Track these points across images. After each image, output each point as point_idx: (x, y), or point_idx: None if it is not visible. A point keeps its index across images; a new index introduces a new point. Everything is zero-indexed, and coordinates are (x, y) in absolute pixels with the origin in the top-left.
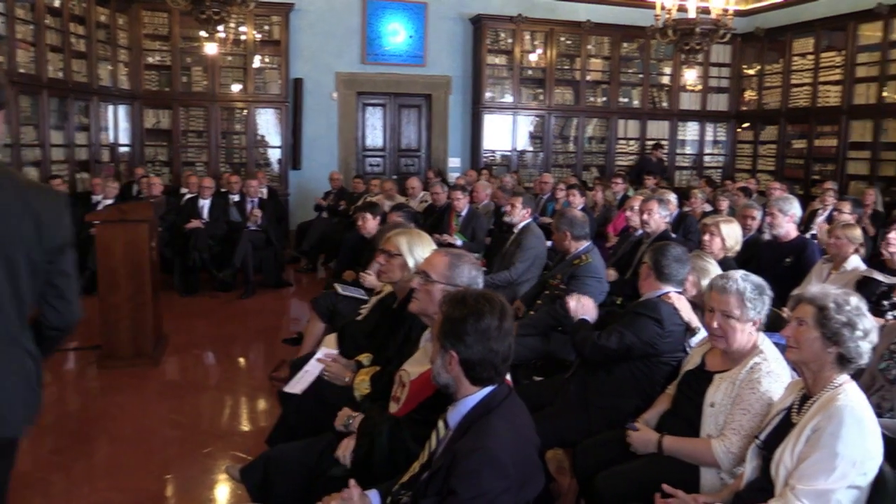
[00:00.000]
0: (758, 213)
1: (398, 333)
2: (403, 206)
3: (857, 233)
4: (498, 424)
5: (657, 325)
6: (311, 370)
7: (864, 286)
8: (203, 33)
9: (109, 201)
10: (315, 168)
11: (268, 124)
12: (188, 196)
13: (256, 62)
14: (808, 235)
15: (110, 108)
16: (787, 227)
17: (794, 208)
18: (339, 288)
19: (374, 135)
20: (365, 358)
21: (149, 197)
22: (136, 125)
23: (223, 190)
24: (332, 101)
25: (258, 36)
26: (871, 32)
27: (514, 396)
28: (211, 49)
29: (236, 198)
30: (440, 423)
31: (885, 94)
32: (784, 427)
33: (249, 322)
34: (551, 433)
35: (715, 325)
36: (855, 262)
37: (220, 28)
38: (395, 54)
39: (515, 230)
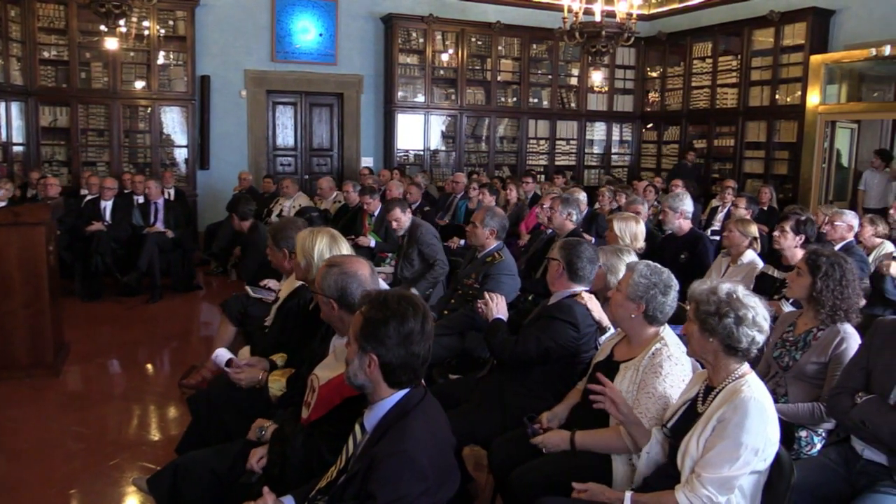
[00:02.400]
0: (641, 208)
1: (315, 334)
2: (309, 210)
3: (752, 228)
4: (415, 427)
5: (573, 329)
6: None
7: (762, 281)
8: (103, 27)
9: (2, 203)
10: (224, 168)
11: (173, 123)
12: (89, 197)
13: (161, 58)
14: (708, 231)
15: (2, 104)
16: (679, 222)
17: (685, 205)
18: (250, 290)
19: (285, 134)
20: (279, 358)
21: (45, 198)
22: (31, 123)
23: (127, 191)
24: (241, 100)
25: (162, 31)
26: (764, 38)
27: (429, 397)
28: (111, 44)
29: (141, 199)
30: (357, 427)
31: (777, 96)
32: (689, 416)
33: (157, 328)
34: (467, 431)
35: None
36: (751, 256)
37: (122, 22)
38: (306, 52)
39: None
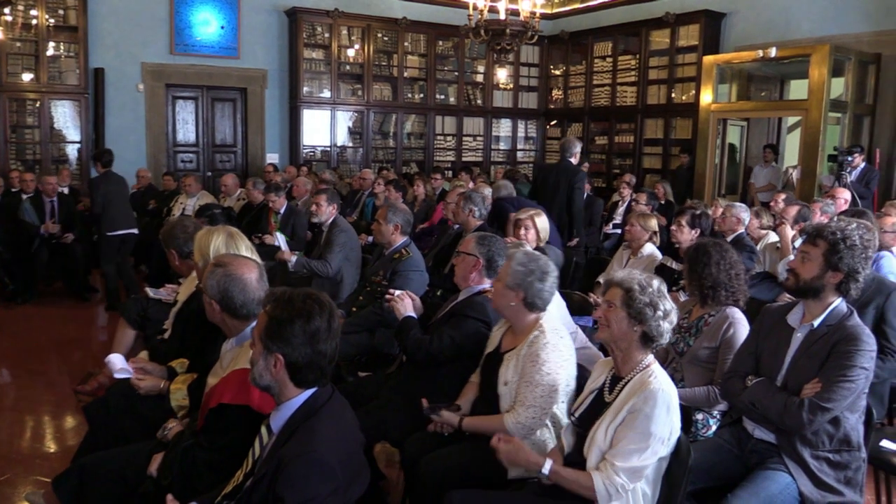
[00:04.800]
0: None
1: (217, 338)
2: (212, 207)
3: (652, 222)
4: (323, 426)
5: (485, 326)
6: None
7: (660, 272)
8: None
9: None
10: (121, 165)
11: (65, 117)
12: None
13: (50, 49)
14: (610, 225)
15: None
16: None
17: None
18: (150, 291)
19: (186, 129)
20: (178, 364)
21: None
22: None
23: (14, 189)
24: (139, 94)
25: (51, 21)
26: (660, 39)
27: (337, 396)
28: None
29: (31, 194)
30: (263, 429)
31: (673, 95)
32: (597, 406)
33: (51, 332)
34: (377, 428)
35: None
36: (650, 249)
37: (6, 10)
38: (207, 45)
39: (324, 228)
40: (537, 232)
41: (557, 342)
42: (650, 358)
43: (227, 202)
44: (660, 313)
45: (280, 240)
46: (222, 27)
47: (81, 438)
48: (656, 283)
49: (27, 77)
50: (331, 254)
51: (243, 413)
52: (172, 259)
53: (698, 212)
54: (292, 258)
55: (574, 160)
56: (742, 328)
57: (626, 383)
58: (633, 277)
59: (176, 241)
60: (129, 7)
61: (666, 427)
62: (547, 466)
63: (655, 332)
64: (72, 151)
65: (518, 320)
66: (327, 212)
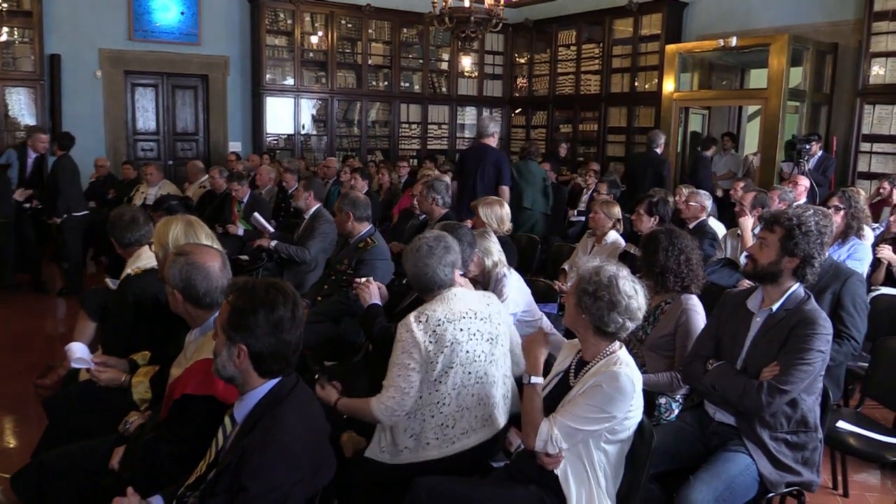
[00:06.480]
0: None
1: (180, 329)
2: (168, 199)
3: (615, 210)
4: (288, 416)
5: None
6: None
7: (623, 260)
8: None
9: None
10: (79, 153)
11: (20, 105)
12: None
13: (3, 35)
14: (575, 212)
15: None
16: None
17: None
18: (110, 283)
19: (146, 117)
20: (140, 357)
21: None
22: None
23: None
24: (97, 80)
25: (4, 5)
26: (623, 27)
27: (301, 385)
28: None
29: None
30: (227, 419)
31: (636, 83)
32: (562, 389)
33: (9, 325)
34: (344, 417)
35: None
36: (614, 237)
37: None
38: (167, 31)
39: (306, 216)
40: (482, 221)
41: (415, 321)
42: (615, 345)
43: (190, 191)
44: (602, 304)
45: (242, 230)
46: (182, 13)
47: (41, 433)
48: (610, 272)
49: None
50: (311, 240)
51: (208, 403)
52: (116, 248)
53: (655, 199)
54: (272, 243)
55: (659, 150)
56: (695, 315)
57: (590, 368)
58: (585, 266)
59: (113, 231)
60: None
61: (620, 411)
62: (535, 379)
63: (600, 322)
64: None
65: None
66: (304, 198)
